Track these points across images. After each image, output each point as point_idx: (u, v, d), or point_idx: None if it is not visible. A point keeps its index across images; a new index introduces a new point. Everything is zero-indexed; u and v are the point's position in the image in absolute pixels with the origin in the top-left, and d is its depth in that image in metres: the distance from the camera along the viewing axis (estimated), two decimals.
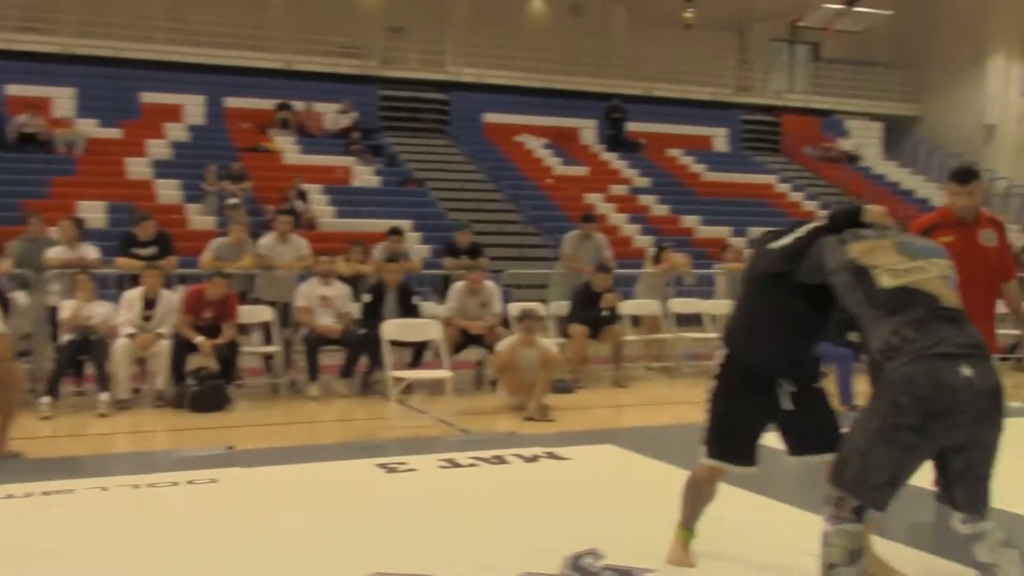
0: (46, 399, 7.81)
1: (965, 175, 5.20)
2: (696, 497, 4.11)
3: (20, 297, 8.81)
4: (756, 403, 3.88)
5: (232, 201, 14.80)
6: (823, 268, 3.57)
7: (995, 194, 23.12)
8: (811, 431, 3.87)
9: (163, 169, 17.82)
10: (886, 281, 3.38)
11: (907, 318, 3.29)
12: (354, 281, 9.95)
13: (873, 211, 3.68)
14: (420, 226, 16.87)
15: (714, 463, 3.96)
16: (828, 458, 3.68)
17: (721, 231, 18.45)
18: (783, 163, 24.55)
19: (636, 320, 11.21)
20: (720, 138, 24.68)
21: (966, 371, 3.17)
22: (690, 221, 19.43)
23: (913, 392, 3.16)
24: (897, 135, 26.35)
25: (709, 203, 20.60)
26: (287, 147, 19.63)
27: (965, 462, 3.27)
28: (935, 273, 3.42)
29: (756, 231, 15.44)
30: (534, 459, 6.08)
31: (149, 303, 8.47)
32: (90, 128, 18.59)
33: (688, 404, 9.24)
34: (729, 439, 3.94)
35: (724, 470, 3.98)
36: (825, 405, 3.94)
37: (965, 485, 3.29)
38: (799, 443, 3.92)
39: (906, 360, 3.21)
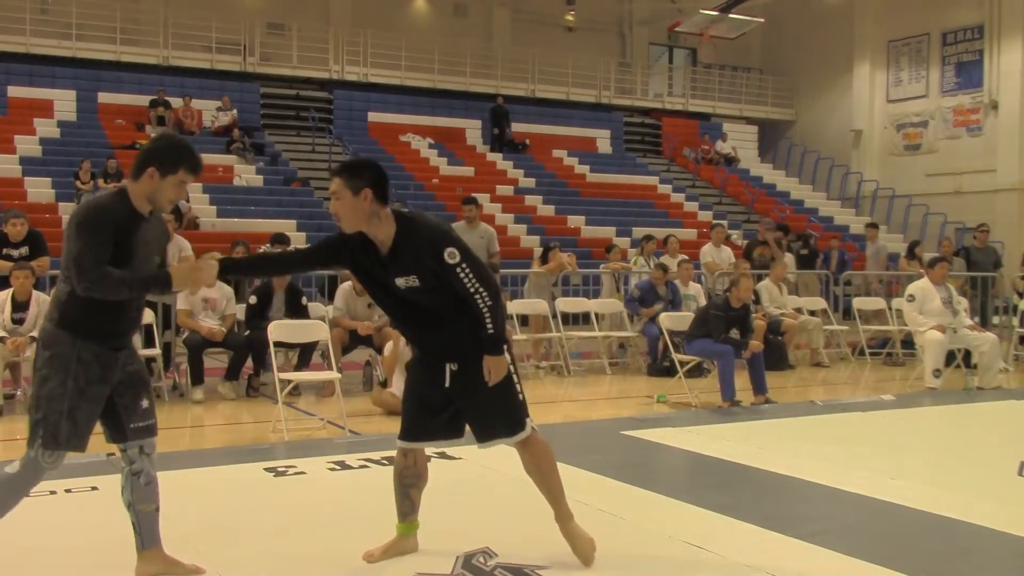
0: None
1: None
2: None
3: None
4: None
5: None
6: None
7: (864, 196, 24.19)
8: None
9: (33, 167, 17.11)
10: None
11: None
12: (237, 282, 9.74)
13: None
14: (304, 226, 16.66)
15: None
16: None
17: (606, 231, 18.78)
18: (664, 164, 25.11)
19: (524, 319, 11.28)
20: (603, 139, 25.10)
21: None
22: (576, 221, 19.70)
23: None
24: (772, 138, 27.29)
25: (594, 203, 20.91)
26: None
27: None
28: None
29: (640, 231, 15.78)
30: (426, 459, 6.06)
31: (20, 305, 8.12)
32: None
33: (578, 402, 9.42)
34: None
35: None
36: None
37: None
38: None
39: None
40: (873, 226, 16.89)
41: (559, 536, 4.10)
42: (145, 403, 3.80)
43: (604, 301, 12.02)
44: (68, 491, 5.24)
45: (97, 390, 3.62)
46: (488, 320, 3.79)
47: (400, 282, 3.81)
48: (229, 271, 3.92)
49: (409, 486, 4.15)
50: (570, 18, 24.89)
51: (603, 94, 25.59)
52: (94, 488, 5.34)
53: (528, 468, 4.07)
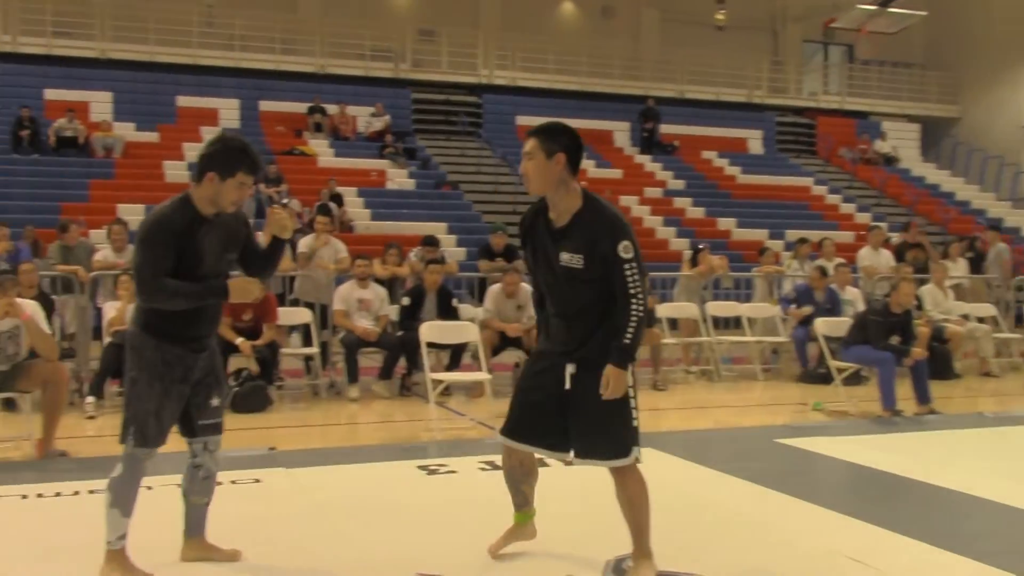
0: (91, 399, 7.88)
1: None
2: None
3: (65, 299, 8.92)
4: None
5: (284, 202, 15.24)
6: None
7: None
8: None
9: None
10: None
11: None
12: (390, 284, 9.98)
13: None
14: (455, 228, 16.91)
15: None
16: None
17: (758, 234, 18.36)
18: (819, 165, 24.38)
19: (674, 323, 11.13)
20: (755, 140, 24.56)
21: None
22: (726, 224, 19.34)
23: None
24: (935, 136, 26.09)
25: (745, 205, 20.49)
26: (321, 150, 19.74)
27: None
28: None
29: (794, 234, 15.35)
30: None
31: None
32: (128, 132, 18.81)
33: (729, 408, 9.23)
34: None
35: None
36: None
37: None
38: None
39: None
40: None
41: (718, 544, 4.01)
42: (215, 402, 3.98)
43: (756, 305, 11.74)
44: (233, 483, 5.46)
45: (180, 390, 3.82)
46: (629, 331, 3.62)
47: (565, 257, 3.69)
48: None
49: (519, 482, 4.11)
50: (720, 17, 24.43)
51: (755, 94, 25.04)
52: (257, 481, 5.53)
53: (619, 497, 3.84)
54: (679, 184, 21.23)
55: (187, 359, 3.81)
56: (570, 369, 3.76)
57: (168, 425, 3.82)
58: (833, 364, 8.78)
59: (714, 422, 8.56)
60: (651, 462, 5.80)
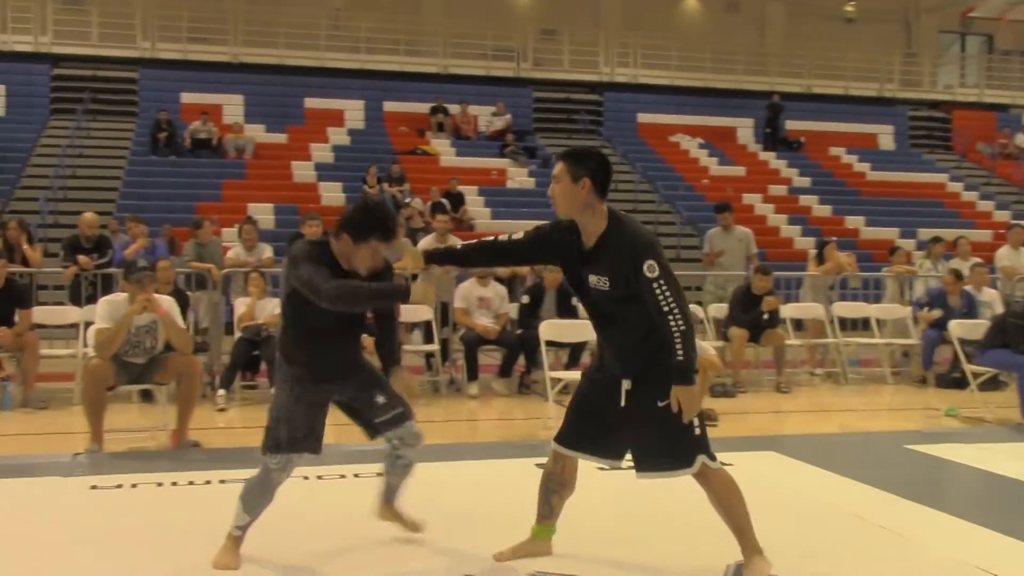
0: (221, 392, 8.17)
1: None
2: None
3: (198, 295, 9.27)
4: None
5: (407, 201, 15.56)
6: None
7: None
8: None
9: (326, 172, 18.43)
10: None
11: None
12: (510, 282, 10.03)
13: None
14: None
15: None
16: None
17: (888, 232, 17.78)
18: (955, 161, 23.44)
19: (799, 324, 10.85)
20: (886, 135, 23.79)
21: None
22: (854, 222, 18.79)
23: None
24: None
25: (874, 203, 19.87)
26: (443, 149, 19.99)
27: None
28: None
29: (927, 232, 14.80)
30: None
31: None
32: (258, 133, 19.43)
33: (856, 412, 8.95)
34: None
35: None
36: None
37: None
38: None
39: None
40: None
41: (843, 551, 3.88)
42: (381, 399, 4.10)
43: (886, 306, 11.33)
44: (356, 476, 5.58)
45: (313, 398, 3.95)
46: (678, 346, 3.51)
47: (592, 280, 3.69)
48: (435, 261, 3.94)
49: (552, 492, 4.06)
50: (850, 9, 23.77)
51: (886, 87, 24.25)
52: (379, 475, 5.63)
53: (711, 501, 3.82)
54: (804, 181, 20.72)
55: (325, 390, 4.00)
56: (625, 385, 3.72)
57: (305, 432, 3.93)
58: (969, 368, 8.42)
59: (840, 426, 8.31)
60: (773, 466, 5.66)
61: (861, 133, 23.51)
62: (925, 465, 6.30)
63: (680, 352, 3.53)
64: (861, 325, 11.23)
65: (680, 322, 3.52)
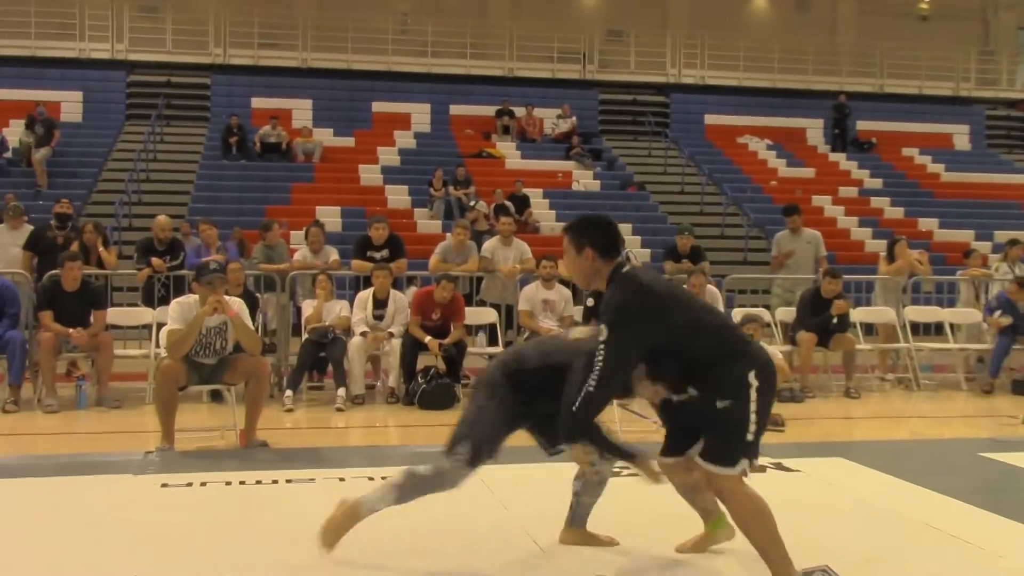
0: (289, 393, 8.28)
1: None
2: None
3: (267, 297, 9.41)
4: None
5: (472, 204, 15.65)
6: None
7: None
8: None
9: (392, 175, 18.58)
10: None
11: None
12: (575, 285, 9.99)
13: None
14: (640, 230, 16.79)
15: None
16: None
17: (963, 235, 17.35)
18: None
19: (870, 328, 10.64)
20: (961, 135, 23.26)
21: None
22: (928, 224, 18.38)
23: None
24: None
25: (949, 205, 19.42)
26: (508, 152, 20.03)
27: None
28: None
29: (1004, 235, 14.41)
30: (762, 470, 5.86)
31: (380, 303, 8.81)
32: (326, 137, 19.68)
33: (928, 419, 8.75)
34: None
35: None
36: None
37: None
38: None
39: None
40: None
41: (912, 560, 3.80)
42: None
43: (960, 311, 11.05)
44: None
45: (517, 418, 4.06)
46: (577, 402, 3.65)
47: None
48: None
49: (690, 499, 4.20)
50: (924, 6, 23.27)
51: (962, 86, 23.71)
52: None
53: (733, 520, 3.85)
54: (876, 183, 20.33)
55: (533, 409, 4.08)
56: (691, 391, 3.76)
57: (497, 451, 4.02)
58: None
59: (910, 432, 8.13)
60: (841, 472, 5.55)
61: (935, 133, 23.01)
62: (999, 473, 6.13)
63: (575, 407, 3.68)
64: (934, 330, 10.97)
65: (593, 385, 3.62)
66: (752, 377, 3.64)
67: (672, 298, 3.75)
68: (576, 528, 4.37)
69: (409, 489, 4.00)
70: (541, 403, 3.95)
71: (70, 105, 20.12)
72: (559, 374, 3.85)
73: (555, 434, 4.05)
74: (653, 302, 3.67)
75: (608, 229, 3.88)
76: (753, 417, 3.67)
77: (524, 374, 4.02)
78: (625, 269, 3.81)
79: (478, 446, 3.92)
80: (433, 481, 3.98)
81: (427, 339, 8.55)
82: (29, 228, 10.09)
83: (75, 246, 9.34)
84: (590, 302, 9.26)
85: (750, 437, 3.68)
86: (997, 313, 9.94)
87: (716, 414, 3.66)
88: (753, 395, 3.64)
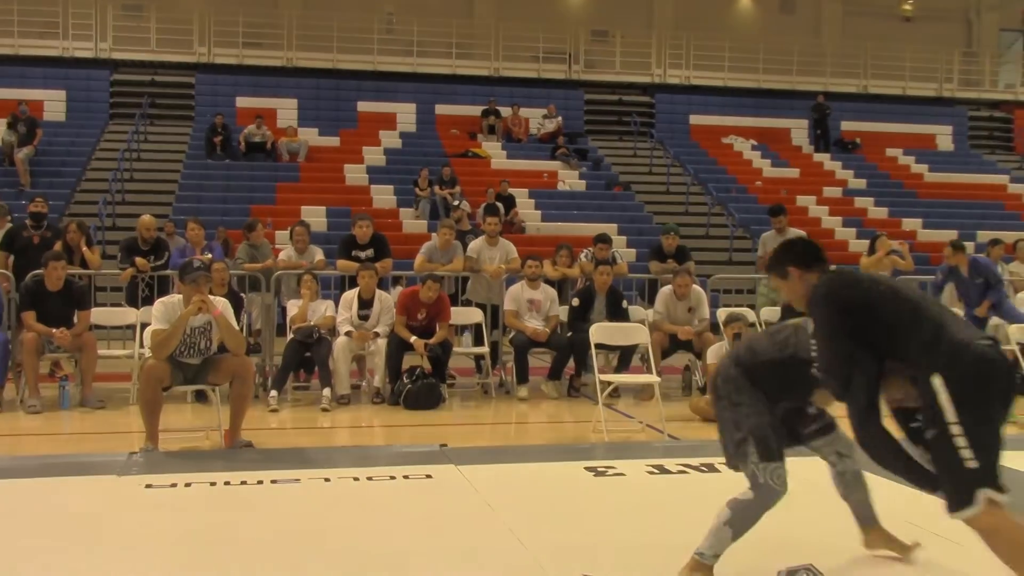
0: (274, 393, 8.24)
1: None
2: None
3: (251, 297, 9.37)
4: None
5: (457, 203, 15.62)
6: None
7: None
8: None
9: (378, 175, 18.55)
10: None
11: None
12: (560, 284, 10.00)
13: None
14: (625, 230, 16.81)
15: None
16: None
17: (947, 235, 17.39)
18: (1016, 162, 22.98)
19: None
20: (944, 136, 23.39)
21: None
22: (912, 224, 18.48)
23: None
24: None
25: (933, 205, 19.53)
26: (494, 152, 20.02)
27: None
28: None
29: (986, 235, 14.50)
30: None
31: (365, 303, 8.79)
32: (311, 136, 19.62)
33: None
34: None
35: None
36: None
37: None
38: None
39: None
40: None
41: (888, 556, 3.79)
42: (812, 410, 4.06)
43: None
44: (406, 478, 5.59)
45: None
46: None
47: None
48: None
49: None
50: (908, 7, 23.40)
51: (945, 87, 23.83)
52: (428, 476, 5.65)
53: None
54: (860, 183, 20.42)
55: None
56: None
57: (783, 436, 3.90)
58: None
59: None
60: (826, 471, 5.57)
61: (919, 134, 23.12)
62: None
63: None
64: None
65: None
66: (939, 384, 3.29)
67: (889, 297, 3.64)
68: (870, 527, 4.22)
69: (740, 521, 3.81)
70: (778, 395, 3.89)
71: (53, 104, 20.01)
72: (794, 367, 3.81)
73: (795, 425, 3.98)
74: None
75: (801, 244, 3.90)
76: (962, 440, 3.20)
77: (760, 368, 3.90)
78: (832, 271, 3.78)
79: (760, 438, 3.79)
80: (758, 497, 3.80)
81: (413, 339, 8.53)
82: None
83: (58, 245, 9.27)
84: (575, 302, 9.26)
85: (971, 464, 3.18)
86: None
87: (929, 437, 3.40)
88: (951, 409, 3.23)
